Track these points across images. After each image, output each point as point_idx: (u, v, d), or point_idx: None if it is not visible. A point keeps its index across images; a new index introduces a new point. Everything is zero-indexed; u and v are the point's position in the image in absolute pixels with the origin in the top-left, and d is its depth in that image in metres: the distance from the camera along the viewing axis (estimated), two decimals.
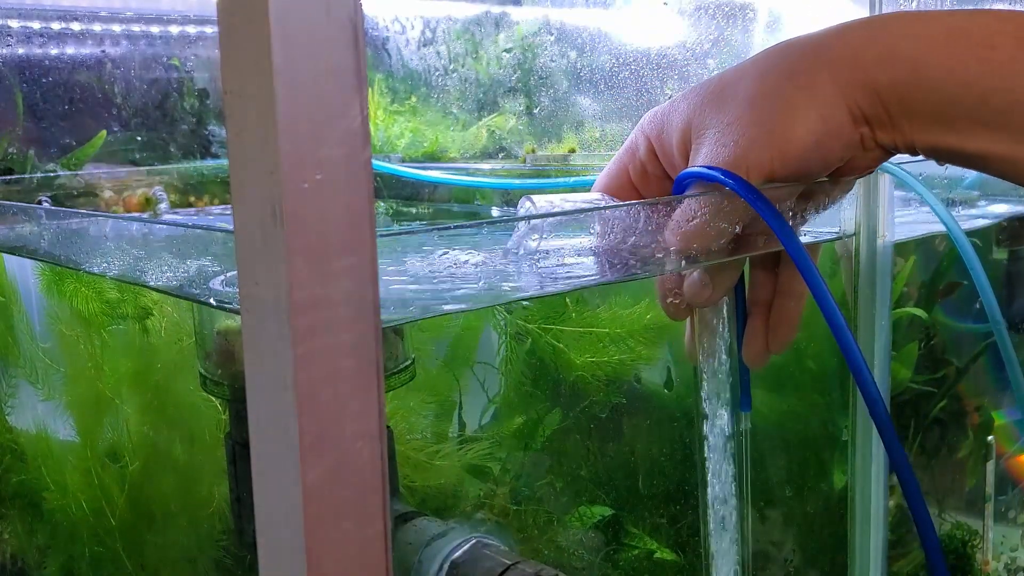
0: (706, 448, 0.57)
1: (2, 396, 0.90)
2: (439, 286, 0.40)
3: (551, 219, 0.44)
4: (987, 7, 0.83)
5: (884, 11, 0.62)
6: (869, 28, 0.43)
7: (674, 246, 0.45)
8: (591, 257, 0.45)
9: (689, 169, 0.46)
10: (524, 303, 0.86)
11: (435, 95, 1.05)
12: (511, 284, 0.43)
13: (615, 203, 0.48)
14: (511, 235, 0.43)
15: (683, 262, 0.46)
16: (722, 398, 0.57)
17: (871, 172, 0.51)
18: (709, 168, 0.44)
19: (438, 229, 0.40)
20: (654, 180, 0.50)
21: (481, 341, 0.93)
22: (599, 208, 0.46)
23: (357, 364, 0.30)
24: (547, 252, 0.43)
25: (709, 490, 0.57)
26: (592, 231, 0.44)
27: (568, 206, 0.47)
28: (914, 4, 0.70)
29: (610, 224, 0.45)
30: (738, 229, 0.46)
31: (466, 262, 0.40)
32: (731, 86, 0.45)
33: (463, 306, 0.42)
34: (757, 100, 0.44)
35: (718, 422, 0.57)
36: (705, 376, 0.56)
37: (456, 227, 0.40)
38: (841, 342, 0.42)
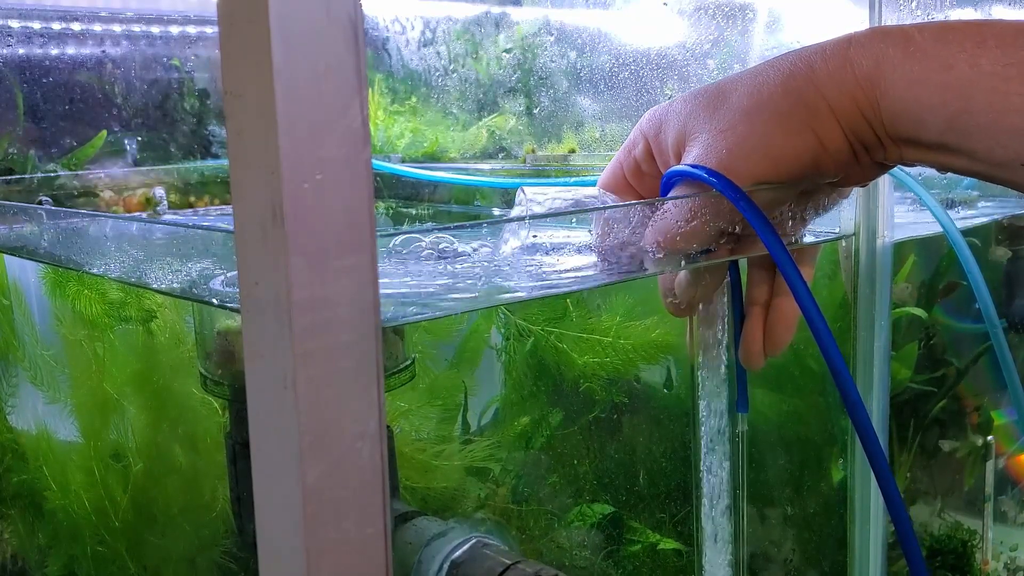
0: (702, 449, 0.57)
1: (3, 396, 0.90)
2: (434, 287, 0.40)
3: (536, 219, 0.44)
4: (989, 7, 0.83)
5: (884, 11, 0.62)
6: (848, 47, 0.43)
7: (655, 246, 0.45)
8: (578, 256, 0.45)
9: (675, 168, 0.46)
10: (510, 306, 0.86)
11: (435, 95, 1.06)
12: (504, 285, 0.43)
13: (595, 204, 0.49)
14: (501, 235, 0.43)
15: (667, 262, 0.46)
16: (719, 399, 0.57)
17: (867, 184, 0.51)
18: (694, 167, 0.44)
19: (435, 230, 0.40)
20: (649, 179, 0.51)
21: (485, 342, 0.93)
22: (576, 211, 0.46)
23: (357, 364, 0.30)
24: (534, 249, 0.43)
25: (704, 491, 0.58)
26: (574, 228, 0.45)
27: (559, 202, 0.47)
28: (914, 3, 0.70)
29: (596, 223, 0.45)
30: (738, 228, 0.46)
31: (456, 257, 0.41)
32: (727, 94, 0.45)
33: (457, 307, 0.42)
34: (752, 111, 0.44)
35: (715, 423, 0.57)
36: (702, 376, 0.56)
37: (449, 228, 0.40)
38: (822, 344, 0.42)
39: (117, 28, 0.96)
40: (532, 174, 0.95)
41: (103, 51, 0.95)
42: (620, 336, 0.86)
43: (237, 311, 0.31)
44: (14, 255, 0.73)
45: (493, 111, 1.03)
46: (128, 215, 0.88)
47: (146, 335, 0.83)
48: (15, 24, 0.91)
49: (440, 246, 0.42)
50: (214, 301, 0.42)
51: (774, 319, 0.53)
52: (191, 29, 1.00)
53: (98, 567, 0.82)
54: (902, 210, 0.68)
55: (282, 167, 0.28)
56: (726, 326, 0.56)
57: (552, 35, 0.98)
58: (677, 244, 0.45)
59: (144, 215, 0.88)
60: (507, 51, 1.01)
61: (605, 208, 0.46)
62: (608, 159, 0.53)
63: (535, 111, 0.99)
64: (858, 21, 0.62)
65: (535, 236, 0.44)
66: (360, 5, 0.29)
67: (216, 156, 1.01)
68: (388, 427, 0.37)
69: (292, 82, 0.28)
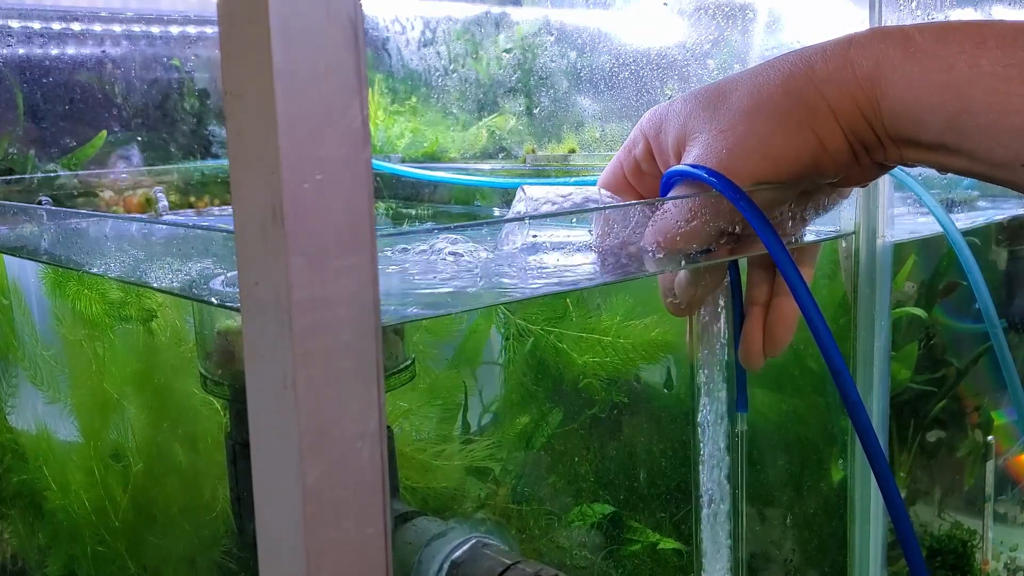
0: (701, 448, 0.57)
1: (3, 396, 0.90)
2: (435, 286, 0.40)
3: (535, 219, 0.44)
4: (989, 7, 0.83)
5: (884, 11, 0.62)
6: (848, 48, 0.43)
7: (655, 246, 0.45)
8: (577, 255, 0.45)
9: (675, 168, 0.46)
10: (509, 305, 0.86)
11: (435, 95, 1.06)
12: (503, 284, 0.43)
13: (597, 204, 0.49)
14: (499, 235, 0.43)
15: (667, 262, 0.46)
16: (719, 399, 0.57)
17: (867, 184, 0.51)
18: (694, 167, 0.44)
19: (436, 230, 0.40)
20: (649, 179, 0.51)
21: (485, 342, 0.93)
22: (576, 211, 0.46)
23: (357, 364, 0.30)
24: (534, 248, 0.44)
25: (703, 491, 0.58)
26: (574, 228, 0.45)
27: (559, 201, 0.47)
28: (914, 3, 0.70)
29: (597, 222, 0.45)
30: (738, 228, 0.46)
31: (456, 257, 0.41)
32: (727, 94, 0.45)
33: (457, 307, 0.42)
34: (752, 111, 0.44)
35: (714, 423, 0.57)
36: (702, 376, 0.56)
37: (453, 227, 0.40)
38: (821, 344, 0.43)
39: (117, 28, 0.96)
40: (532, 174, 0.95)
41: (103, 51, 0.95)
42: (620, 336, 0.86)
43: (237, 311, 0.31)
44: (14, 255, 0.73)
45: (493, 111, 1.03)
46: (128, 215, 0.88)
47: (146, 335, 0.83)
48: (15, 24, 0.91)
49: (439, 246, 0.42)
50: (214, 301, 0.42)
51: (774, 319, 0.53)
52: (191, 29, 1.00)
53: (98, 567, 0.82)
54: (902, 210, 0.68)
55: (282, 167, 0.28)
56: (726, 326, 0.56)
57: (552, 35, 0.98)
58: (677, 244, 0.45)
59: (145, 216, 0.88)
60: (507, 51, 1.01)
61: (605, 208, 0.46)
62: (608, 159, 0.53)
63: (535, 111, 0.99)
64: (858, 21, 0.62)
65: (535, 236, 0.44)
66: (360, 5, 0.29)
67: (216, 156, 1.01)
68: (388, 427, 0.37)
69: (292, 82, 0.28)
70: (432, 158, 1.04)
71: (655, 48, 0.86)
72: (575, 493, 0.89)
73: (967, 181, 0.81)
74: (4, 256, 0.88)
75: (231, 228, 0.30)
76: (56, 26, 0.93)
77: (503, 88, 1.01)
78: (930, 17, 0.71)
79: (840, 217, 0.63)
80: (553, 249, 0.45)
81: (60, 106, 0.93)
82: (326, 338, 0.29)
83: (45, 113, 0.93)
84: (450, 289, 0.40)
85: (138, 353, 0.83)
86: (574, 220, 0.46)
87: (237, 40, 0.28)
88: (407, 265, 0.41)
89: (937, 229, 0.66)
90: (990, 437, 1.01)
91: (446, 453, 0.82)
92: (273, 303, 0.29)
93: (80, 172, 0.92)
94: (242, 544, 0.61)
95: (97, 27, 0.95)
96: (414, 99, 1.07)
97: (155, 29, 0.98)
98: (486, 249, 0.43)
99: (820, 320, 0.43)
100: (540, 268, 0.44)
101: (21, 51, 0.91)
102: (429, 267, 0.41)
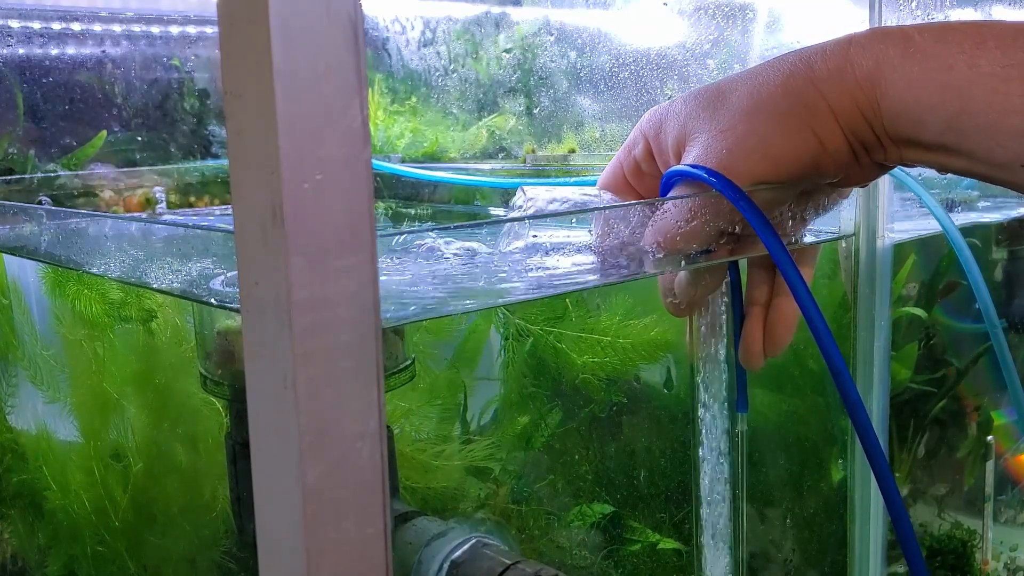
0: (701, 449, 0.57)
1: (3, 396, 0.90)
2: (435, 286, 0.40)
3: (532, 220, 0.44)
4: (989, 7, 0.83)
5: (884, 11, 0.62)
6: (848, 48, 0.43)
7: (654, 246, 0.45)
8: (578, 256, 0.45)
9: (675, 168, 0.46)
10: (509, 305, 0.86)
11: (435, 95, 1.06)
12: (504, 285, 0.43)
13: (598, 204, 0.49)
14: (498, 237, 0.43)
15: (667, 262, 0.46)
16: (719, 398, 0.57)
17: (867, 185, 0.51)
18: (694, 167, 0.44)
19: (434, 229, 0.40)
20: (649, 179, 0.51)
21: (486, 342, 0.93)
22: (576, 211, 0.46)
23: (357, 364, 0.30)
24: (534, 249, 0.44)
25: (703, 491, 0.58)
26: (574, 228, 0.45)
27: (557, 204, 0.47)
28: (914, 3, 0.70)
29: (596, 223, 0.45)
30: (738, 228, 0.46)
31: (451, 257, 0.41)
32: (727, 94, 0.45)
33: (458, 307, 0.42)
34: (752, 111, 0.44)
35: (714, 423, 0.57)
36: (702, 376, 0.56)
37: (451, 228, 0.40)
38: (821, 344, 0.42)
39: (117, 28, 0.96)
40: (532, 174, 0.95)
41: (103, 51, 0.95)
42: (619, 335, 0.86)
43: (237, 311, 0.31)
44: (14, 255, 0.73)
45: (493, 111, 1.03)
46: (128, 215, 0.88)
47: (146, 335, 0.83)
48: (15, 24, 0.91)
49: (440, 246, 0.42)
50: (214, 301, 0.42)
51: (774, 319, 0.53)
52: (191, 29, 1.00)
53: (98, 567, 0.82)
54: (902, 210, 0.68)
55: (282, 167, 0.28)
56: (726, 326, 0.56)
57: (552, 35, 0.98)
58: (677, 244, 0.45)
59: (145, 215, 0.88)
60: (507, 51, 1.01)
61: (605, 208, 0.46)
62: (608, 159, 0.53)
63: (535, 111, 0.99)
64: (858, 21, 0.62)
65: (535, 236, 0.44)
66: (360, 5, 0.29)
67: (216, 156, 1.01)
68: (388, 427, 0.37)
69: (292, 82, 0.28)
70: (432, 158, 1.04)
71: (655, 48, 0.86)
72: (575, 493, 0.89)
73: (967, 181, 0.81)
74: (4, 256, 0.88)
75: (231, 228, 0.30)
76: (56, 26, 0.93)
77: (503, 88, 1.01)
78: (930, 17, 0.71)
79: (840, 217, 0.63)
80: (553, 250, 0.45)
81: (60, 106, 0.93)
82: (326, 338, 0.29)
83: (45, 113, 0.93)
84: (450, 289, 0.40)
85: (138, 353, 0.83)
86: (574, 220, 0.46)
87: (237, 40, 0.28)
88: (407, 265, 0.41)
89: (937, 229, 0.66)
90: (990, 437, 1.01)
91: (446, 453, 0.82)
92: (273, 303, 0.29)
93: (80, 172, 0.92)
94: (242, 544, 0.61)
95: (97, 27, 0.95)
96: (414, 99, 1.07)
97: (155, 29, 0.98)
98: (486, 250, 0.43)
99: (820, 320, 0.43)
100: (540, 268, 0.44)
101: (21, 51, 0.91)
102: (429, 268, 0.41)
